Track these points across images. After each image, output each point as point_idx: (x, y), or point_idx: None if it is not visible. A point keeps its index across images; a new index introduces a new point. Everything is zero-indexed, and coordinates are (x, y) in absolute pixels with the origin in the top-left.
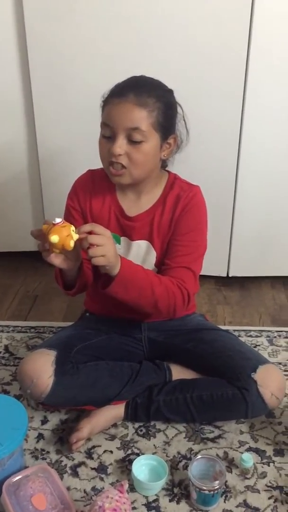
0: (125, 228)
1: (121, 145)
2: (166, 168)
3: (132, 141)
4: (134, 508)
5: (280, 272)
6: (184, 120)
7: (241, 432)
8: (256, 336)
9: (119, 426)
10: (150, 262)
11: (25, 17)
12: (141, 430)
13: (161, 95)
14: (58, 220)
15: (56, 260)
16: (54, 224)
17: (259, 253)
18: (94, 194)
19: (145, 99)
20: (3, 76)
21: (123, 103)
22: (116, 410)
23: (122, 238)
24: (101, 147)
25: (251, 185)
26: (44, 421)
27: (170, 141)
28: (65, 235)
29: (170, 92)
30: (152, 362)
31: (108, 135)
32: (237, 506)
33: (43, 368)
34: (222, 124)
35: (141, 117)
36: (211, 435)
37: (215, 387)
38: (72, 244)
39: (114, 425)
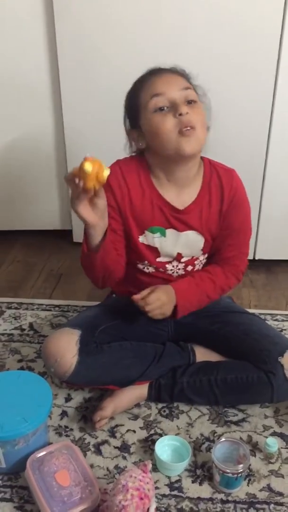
0: (173, 220)
1: (184, 105)
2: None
3: (189, 102)
4: (157, 488)
5: None
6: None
7: (266, 417)
8: (282, 320)
9: (142, 406)
10: (197, 248)
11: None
12: (164, 411)
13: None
14: (88, 154)
15: (84, 210)
16: (85, 158)
17: (286, 237)
18: (131, 187)
19: (174, 71)
20: (31, 62)
21: (162, 75)
22: (140, 390)
23: (169, 230)
24: (161, 122)
25: (280, 167)
26: (68, 399)
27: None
28: (97, 165)
29: None
30: (176, 344)
31: (162, 105)
32: (260, 490)
33: (67, 347)
34: (252, 106)
35: (183, 81)
36: (234, 418)
37: (240, 370)
38: (106, 173)
39: (137, 405)
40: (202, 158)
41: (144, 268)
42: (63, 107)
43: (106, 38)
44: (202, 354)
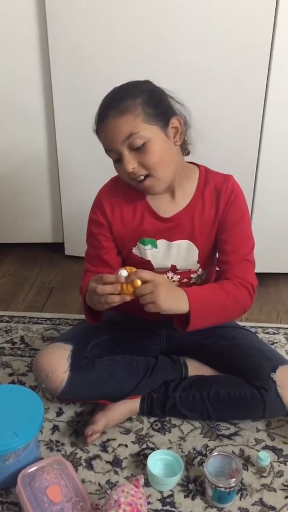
0: (162, 230)
1: (129, 160)
2: (196, 163)
3: (136, 149)
4: (149, 503)
5: None
6: (169, 95)
7: (258, 430)
8: (274, 334)
9: (134, 420)
10: (192, 260)
11: (48, 21)
12: (156, 425)
13: (136, 91)
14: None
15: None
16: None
17: (277, 249)
18: (124, 202)
19: (122, 105)
20: (24, 78)
21: (106, 123)
22: (132, 404)
23: (160, 241)
24: (119, 172)
25: (270, 181)
26: (59, 413)
27: (174, 124)
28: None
29: (145, 82)
30: (168, 357)
31: (115, 159)
32: (253, 505)
33: (58, 362)
34: (242, 119)
35: (128, 122)
36: (227, 432)
37: (233, 386)
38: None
39: (129, 419)
40: (198, 165)
41: None
42: (56, 121)
43: (100, 54)
44: (195, 368)
